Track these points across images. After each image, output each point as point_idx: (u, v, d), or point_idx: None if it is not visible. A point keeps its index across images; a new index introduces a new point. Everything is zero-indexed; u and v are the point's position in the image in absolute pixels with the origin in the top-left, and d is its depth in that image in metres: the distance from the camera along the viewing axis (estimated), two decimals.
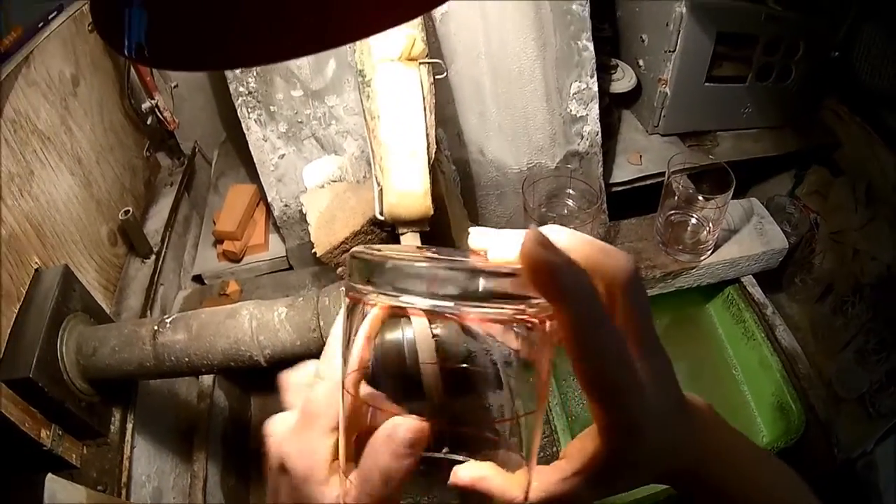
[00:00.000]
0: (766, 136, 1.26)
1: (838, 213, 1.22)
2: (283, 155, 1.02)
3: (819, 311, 1.24)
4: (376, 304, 0.32)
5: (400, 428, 0.32)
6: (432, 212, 0.72)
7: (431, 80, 0.75)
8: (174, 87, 1.26)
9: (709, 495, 0.39)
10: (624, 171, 1.14)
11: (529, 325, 0.31)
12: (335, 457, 0.36)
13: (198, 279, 1.15)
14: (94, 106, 1.00)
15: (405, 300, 0.29)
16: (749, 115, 1.24)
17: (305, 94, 0.98)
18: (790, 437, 0.96)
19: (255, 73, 0.96)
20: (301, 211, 1.01)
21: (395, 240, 0.77)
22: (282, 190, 1.04)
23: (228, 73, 0.96)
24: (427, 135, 0.72)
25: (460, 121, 1.00)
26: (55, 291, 0.71)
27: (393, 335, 0.55)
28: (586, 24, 0.98)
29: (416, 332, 0.50)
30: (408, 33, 0.71)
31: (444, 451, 0.34)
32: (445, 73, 0.92)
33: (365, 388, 0.36)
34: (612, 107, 1.20)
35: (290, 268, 1.14)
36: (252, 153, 1.02)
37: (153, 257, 1.02)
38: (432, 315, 0.31)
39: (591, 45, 0.99)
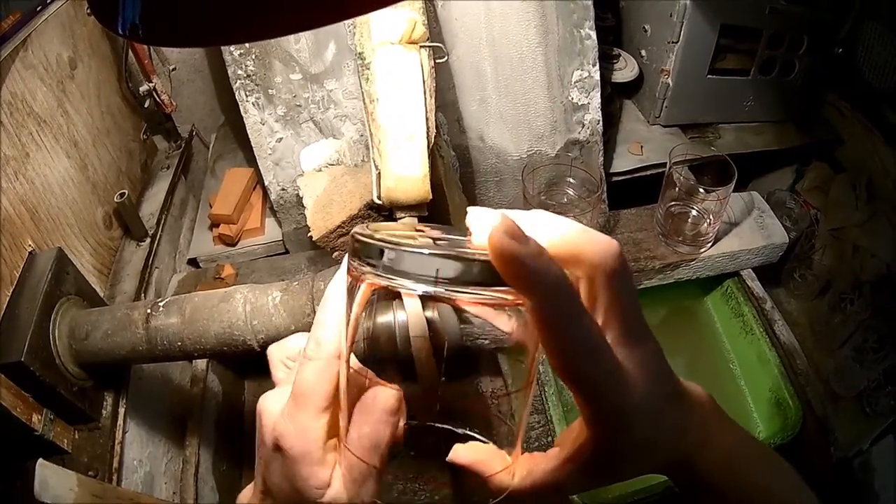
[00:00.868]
0: (768, 129, 1.26)
1: (839, 209, 1.21)
2: (281, 138, 1.01)
3: (817, 307, 1.23)
4: (373, 285, 0.32)
5: (381, 394, 0.34)
6: (430, 196, 0.71)
7: (432, 63, 0.75)
8: (172, 70, 1.25)
9: (706, 489, 0.38)
10: (625, 161, 1.14)
11: (521, 308, 0.31)
12: (329, 436, 0.36)
13: (193, 263, 1.15)
14: (92, 89, 1.00)
15: (400, 283, 0.29)
16: (751, 109, 1.24)
17: (304, 78, 0.97)
18: (787, 433, 0.95)
19: (253, 57, 0.95)
20: (298, 195, 1.00)
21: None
22: (279, 173, 1.03)
23: (227, 56, 0.95)
24: (426, 118, 0.71)
25: (460, 107, 0.99)
26: (48, 275, 0.70)
27: (385, 317, 0.55)
28: (589, 13, 0.97)
29: (409, 311, 0.51)
30: (409, 16, 0.71)
31: (433, 421, 0.35)
32: (446, 58, 0.91)
33: (356, 365, 0.36)
34: (614, 96, 1.19)
35: (286, 252, 1.14)
36: (249, 136, 1.01)
37: (148, 240, 1.01)
38: (426, 298, 0.32)
39: (593, 34, 0.98)
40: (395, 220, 0.75)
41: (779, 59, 1.15)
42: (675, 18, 1.08)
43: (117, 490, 0.71)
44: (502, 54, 0.96)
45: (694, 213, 1.00)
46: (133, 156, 1.12)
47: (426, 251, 0.29)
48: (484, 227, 0.31)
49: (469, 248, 0.32)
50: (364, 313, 0.37)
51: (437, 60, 0.76)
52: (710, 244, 1.01)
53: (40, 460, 0.60)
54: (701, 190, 0.94)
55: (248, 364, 1.05)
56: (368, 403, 0.34)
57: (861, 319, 1.13)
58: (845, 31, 1.15)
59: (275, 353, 0.41)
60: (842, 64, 1.18)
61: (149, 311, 0.68)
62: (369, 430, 0.34)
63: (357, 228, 0.33)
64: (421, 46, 0.72)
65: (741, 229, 1.06)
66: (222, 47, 0.93)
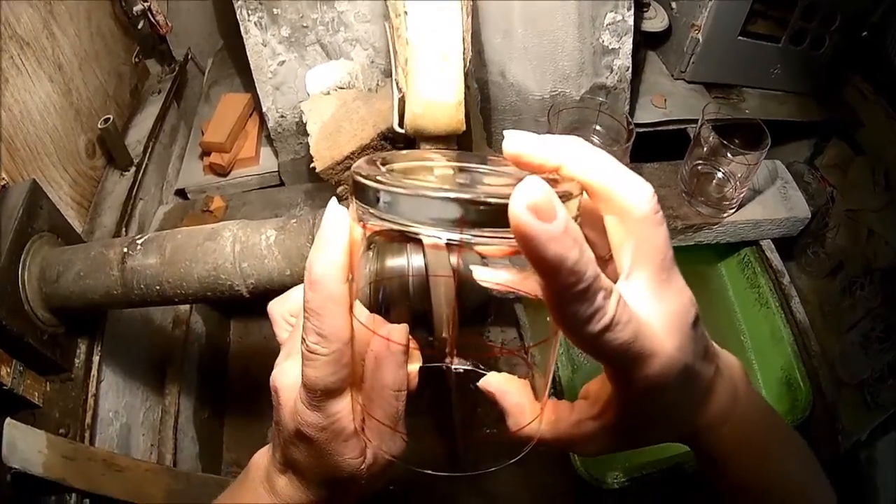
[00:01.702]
0: (791, 100, 1.22)
1: (856, 190, 1.18)
2: (284, 61, 0.93)
3: (828, 287, 1.20)
4: (380, 230, 0.29)
5: (392, 335, 0.33)
6: (464, 127, 0.63)
7: None
8: None
9: (725, 462, 0.36)
10: (647, 113, 1.08)
11: None
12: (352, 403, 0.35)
13: (181, 194, 1.07)
14: (82, 9, 0.93)
15: (416, 230, 0.27)
16: (777, 77, 1.20)
17: None
18: (796, 416, 0.92)
19: None
20: (299, 122, 0.92)
21: None
22: (279, 99, 0.95)
23: None
24: (463, 38, 0.63)
25: (483, 38, 0.91)
26: (20, 210, 0.62)
27: (396, 260, 0.49)
28: None
29: (427, 249, 0.47)
30: None
31: (450, 362, 0.35)
32: None
33: (363, 312, 0.35)
34: (640, 45, 1.13)
35: (282, 184, 1.06)
36: (249, 59, 0.93)
37: (133, 170, 0.94)
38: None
39: None
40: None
41: (810, 32, 1.12)
42: None
43: (90, 450, 0.65)
44: None
45: (720, 175, 0.95)
46: (123, 80, 1.04)
47: (452, 195, 0.26)
48: (545, 150, 0.30)
49: (494, 183, 0.31)
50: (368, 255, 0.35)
51: None
52: (733, 210, 0.96)
53: (8, 419, 0.57)
54: (729, 154, 0.89)
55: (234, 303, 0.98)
56: (379, 348, 0.33)
57: (870, 307, 1.10)
58: (878, 16, 1.12)
59: (276, 309, 0.39)
60: (869, 48, 1.15)
61: (125, 249, 0.60)
62: (384, 375, 0.33)
63: (360, 166, 0.30)
64: None
65: (764, 198, 1.01)
66: None
